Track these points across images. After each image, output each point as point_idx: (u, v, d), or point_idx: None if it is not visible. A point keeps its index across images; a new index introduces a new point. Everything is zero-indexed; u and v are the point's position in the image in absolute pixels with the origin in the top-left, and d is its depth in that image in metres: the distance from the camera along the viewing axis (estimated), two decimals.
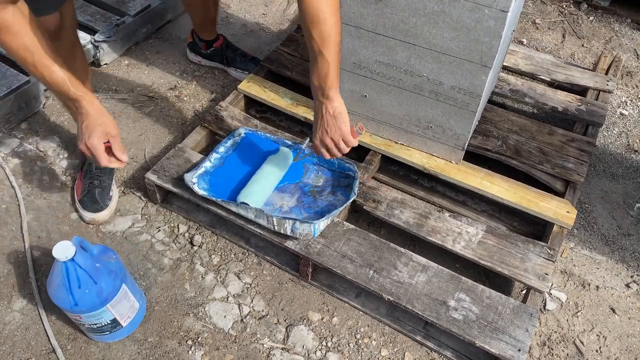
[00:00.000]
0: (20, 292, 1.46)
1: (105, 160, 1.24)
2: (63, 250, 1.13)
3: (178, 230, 1.62)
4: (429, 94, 1.51)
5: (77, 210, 1.63)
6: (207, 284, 1.50)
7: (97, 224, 1.61)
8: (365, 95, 1.62)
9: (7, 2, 1.08)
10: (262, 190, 1.51)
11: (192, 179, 1.51)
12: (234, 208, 1.47)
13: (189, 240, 1.59)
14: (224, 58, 2.07)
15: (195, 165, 1.58)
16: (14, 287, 1.47)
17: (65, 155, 1.80)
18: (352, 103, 1.67)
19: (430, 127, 1.59)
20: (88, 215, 1.59)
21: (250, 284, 1.51)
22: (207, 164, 1.58)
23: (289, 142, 1.67)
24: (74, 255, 1.14)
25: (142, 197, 1.69)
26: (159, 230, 1.61)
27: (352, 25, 1.47)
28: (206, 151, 1.76)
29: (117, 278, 1.24)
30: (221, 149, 1.63)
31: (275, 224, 1.42)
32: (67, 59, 1.44)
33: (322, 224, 1.42)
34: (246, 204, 1.43)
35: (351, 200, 1.50)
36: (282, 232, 1.43)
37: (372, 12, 1.41)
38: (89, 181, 1.62)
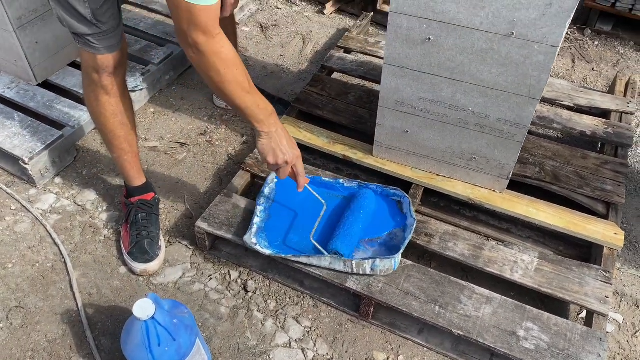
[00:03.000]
0: (79, 353, 1.42)
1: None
2: (144, 309, 1.11)
3: (230, 277, 1.60)
4: (474, 127, 1.55)
5: (125, 264, 1.61)
6: (268, 330, 1.49)
7: (148, 275, 1.59)
8: (407, 131, 1.66)
9: (221, 34, 1.20)
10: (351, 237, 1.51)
11: (251, 240, 1.49)
12: (304, 260, 1.46)
13: (243, 286, 1.58)
14: None
15: (248, 225, 1.56)
16: (72, 348, 1.43)
17: (104, 207, 1.78)
18: (392, 139, 1.70)
19: (474, 158, 1.62)
20: (139, 267, 1.57)
21: (310, 328, 1.50)
22: (257, 220, 1.56)
23: (327, 180, 1.68)
24: (154, 313, 1.13)
25: (188, 246, 1.68)
26: (211, 279, 1.60)
27: (396, 65, 1.51)
28: (251, 194, 1.77)
29: (193, 333, 1.22)
30: (262, 201, 1.61)
31: (354, 266, 1.42)
32: (123, 94, 1.48)
33: (399, 256, 1.44)
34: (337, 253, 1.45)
35: (414, 225, 1.52)
36: (360, 272, 1.44)
37: (418, 53, 1.45)
38: (137, 232, 1.60)
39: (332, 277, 1.46)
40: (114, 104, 1.49)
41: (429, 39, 1.40)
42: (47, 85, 2.04)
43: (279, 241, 1.54)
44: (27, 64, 1.94)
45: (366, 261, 1.41)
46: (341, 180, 1.68)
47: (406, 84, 1.54)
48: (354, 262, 1.41)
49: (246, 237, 1.49)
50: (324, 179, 1.69)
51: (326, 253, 1.45)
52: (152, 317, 1.13)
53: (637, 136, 2.08)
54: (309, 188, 1.53)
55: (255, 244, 1.48)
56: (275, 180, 1.68)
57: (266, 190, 1.65)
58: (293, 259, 1.46)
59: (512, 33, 1.31)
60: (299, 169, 1.43)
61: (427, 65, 1.47)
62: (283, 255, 1.46)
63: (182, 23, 1.15)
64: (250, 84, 1.28)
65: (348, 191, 1.67)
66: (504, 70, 1.39)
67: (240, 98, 1.27)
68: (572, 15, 1.23)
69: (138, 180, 1.66)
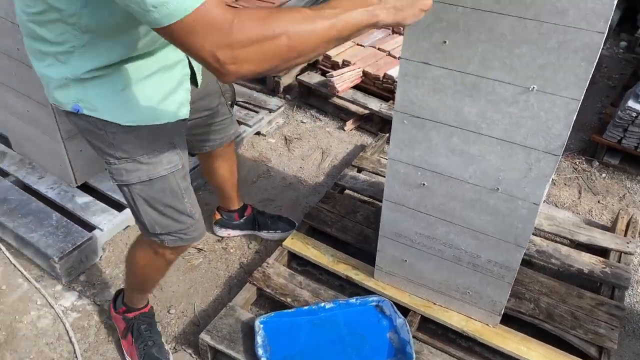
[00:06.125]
0: None
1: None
2: None
3: None
4: (466, 265, 1.64)
5: None
6: None
7: None
8: (406, 260, 1.76)
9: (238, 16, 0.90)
10: None
11: None
12: None
13: None
14: (256, 224, 2.18)
15: (249, 341, 1.64)
16: None
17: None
18: (392, 265, 1.80)
19: (468, 292, 1.70)
20: None
21: None
22: None
23: (309, 307, 1.76)
24: None
25: (192, 354, 1.77)
26: None
27: (394, 202, 1.64)
28: (256, 307, 1.87)
29: None
30: (260, 352, 1.60)
31: None
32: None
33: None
34: None
35: (407, 325, 1.68)
36: None
37: (415, 194, 1.58)
38: (144, 344, 1.68)
39: None
40: (166, 269, 1.60)
41: (424, 184, 1.54)
42: (85, 187, 2.26)
43: None
44: (69, 169, 2.16)
45: None
46: (322, 304, 1.77)
47: (404, 219, 1.66)
48: None
49: None
50: (304, 308, 1.76)
51: None
52: None
53: (639, 274, 2.11)
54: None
55: None
56: (262, 325, 1.68)
57: (259, 340, 1.63)
58: None
59: (498, 188, 1.43)
60: None
61: (422, 206, 1.60)
62: None
63: (194, 45, 0.88)
64: (314, 13, 0.93)
65: (330, 313, 1.76)
66: (492, 219, 1.50)
67: (326, 35, 0.94)
68: (550, 180, 1.36)
69: (142, 304, 1.74)
